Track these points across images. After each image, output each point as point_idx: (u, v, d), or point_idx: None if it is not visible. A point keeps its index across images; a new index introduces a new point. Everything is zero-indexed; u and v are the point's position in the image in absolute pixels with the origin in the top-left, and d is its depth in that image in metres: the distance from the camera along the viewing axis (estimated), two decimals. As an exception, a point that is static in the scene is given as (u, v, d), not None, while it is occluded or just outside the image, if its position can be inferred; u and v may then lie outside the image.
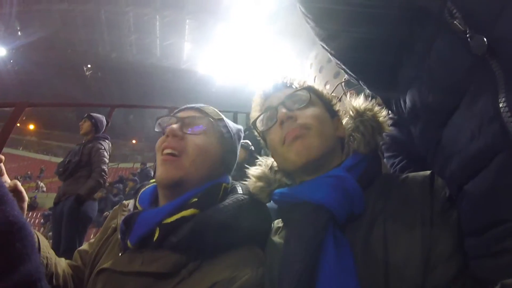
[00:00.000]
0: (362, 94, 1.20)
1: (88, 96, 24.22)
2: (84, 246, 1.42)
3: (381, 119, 1.15)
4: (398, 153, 1.61)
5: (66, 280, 1.25)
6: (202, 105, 1.38)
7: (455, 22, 0.82)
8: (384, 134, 1.17)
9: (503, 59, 0.74)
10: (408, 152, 1.52)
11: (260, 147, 1.42)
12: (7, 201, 0.68)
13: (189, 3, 15.50)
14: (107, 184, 4.91)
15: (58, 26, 17.55)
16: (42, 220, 14.08)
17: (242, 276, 1.01)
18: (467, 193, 0.82)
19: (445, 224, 0.91)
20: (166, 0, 15.69)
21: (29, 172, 24.03)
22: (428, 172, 1.04)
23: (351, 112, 1.19)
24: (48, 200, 17.36)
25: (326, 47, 1.16)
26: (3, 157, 1.19)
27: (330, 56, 1.19)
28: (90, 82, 23.93)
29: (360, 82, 1.23)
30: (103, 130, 5.26)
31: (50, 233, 9.62)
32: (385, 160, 1.84)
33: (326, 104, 1.23)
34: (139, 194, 1.36)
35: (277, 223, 1.28)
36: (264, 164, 1.32)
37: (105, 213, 9.57)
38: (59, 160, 6.35)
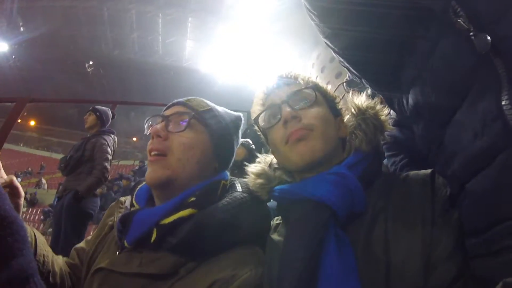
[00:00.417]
0: (365, 92, 1.20)
1: (90, 93, 24.26)
2: (81, 244, 1.41)
3: (383, 117, 1.15)
4: (399, 152, 1.61)
5: (63, 278, 1.24)
6: (189, 97, 1.35)
7: (459, 20, 0.82)
8: (385, 133, 1.16)
9: (507, 58, 0.74)
10: (409, 151, 1.53)
11: (261, 145, 1.41)
12: None
13: (192, 1, 15.51)
14: (107, 181, 4.86)
15: (60, 22, 17.58)
16: (42, 217, 14.08)
17: (242, 274, 1.00)
18: (468, 191, 0.82)
19: (446, 223, 0.91)
20: (169, -2, 15.73)
21: (29, 169, 24.12)
22: (429, 170, 1.04)
23: (353, 110, 1.18)
24: (48, 196, 17.39)
25: (330, 45, 1.16)
26: None
27: (333, 53, 1.20)
28: (92, 79, 23.98)
29: (362, 80, 1.24)
30: (109, 123, 5.17)
31: (50, 229, 9.64)
32: (385, 160, 1.84)
33: (329, 103, 1.22)
34: (136, 191, 1.34)
35: (276, 220, 1.28)
36: (263, 161, 1.31)
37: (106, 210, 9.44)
38: (60, 156, 6.34)
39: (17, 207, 1.12)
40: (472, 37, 0.79)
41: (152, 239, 1.10)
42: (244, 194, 1.23)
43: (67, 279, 1.26)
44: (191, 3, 15.67)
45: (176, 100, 1.35)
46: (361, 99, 1.19)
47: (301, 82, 1.23)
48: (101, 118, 5.02)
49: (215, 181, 1.26)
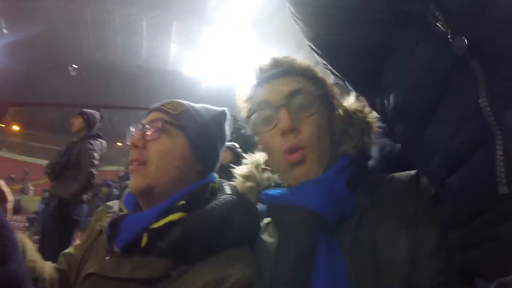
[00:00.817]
0: (353, 94, 1.22)
1: (73, 97, 23.89)
2: (69, 249, 1.41)
3: (370, 120, 1.16)
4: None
5: (52, 284, 1.24)
6: (164, 101, 1.34)
7: (437, 24, 0.85)
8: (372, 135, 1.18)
9: (483, 59, 0.79)
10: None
11: (247, 150, 1.40)
12: None
13: (176, 4, 15.37)
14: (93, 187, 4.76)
15: (43, 24, 17.32)
16: (27, 224, 13.84)
17: (233, 275, 1.01)
18: (450, 186, 0.86)
19: (430, 221, 0.94)
20: (153, 1, 15.57)
21: (13, 175, 23.71)
22: (413, 171, 1.07)
23: (341, 113, 1.19)
24: (32, 203, 17.02)
25: (314, 48, 1.17)
26: None
27: (317, 56, 1.20)
28: (75, 82, 23.65)
29: (345, 83, 1.25)
30: (96, 126, 5.09)
31: (35, 237, 9.49)
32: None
33: (327, 99, 1.19)
34: (123, 195, 1.34)
35: (265, 220, 1.29)
36: (250, 162, 1.31)
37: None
38: (43, 162, 6.24)
39: (5, 211, 1.11)
40: (450, 40, 0.83)
41: (143, 243, 1.10)
42: (233, 196, 1.24)
43: (57, 285, 1.26)
44: (175, 6, 15.54)
45: (152, 106, 1.35)
46: (349, 101, 1.21)
47: (298, 71, 1.19)
48: (88, 122, 4.97)
49: (203, 184, 1.27)
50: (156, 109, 1.32)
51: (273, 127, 1.12)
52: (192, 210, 1.16)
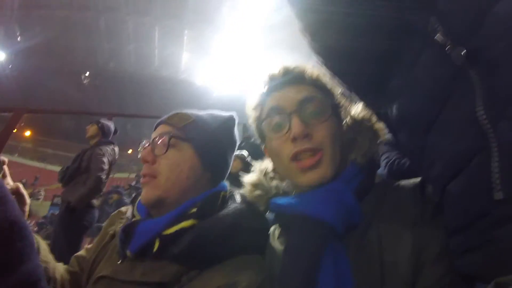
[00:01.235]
0: (362, 103, 1.22)
1: (86, 104, 24.16)
2: (82, 252, 1.43)
3: (378, 128, 1.17)
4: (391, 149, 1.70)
5: (64, 285, 1.27)
6: (171, 114, 1.36)
7: (437, 35, 0.88)
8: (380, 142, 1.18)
9: (481, 69, 0.81)
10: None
11: (257, 158, 1.40)
12: (8, 201, 0.69)
13: (188, 13, 15.54)
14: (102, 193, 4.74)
15: (57, 32, 17.53)
16: (36, 228, 13.94)
17: (243, 281, 1.02)
18: (450, 192, 0.88)
19: (434, 228, 0.95)
20: (166, 10, 15.73)
21: (23, 180, 23.92)
22: (418, 179, 1.08)
23: (349, 121, 1.19)
24: (42, 208, 17.18)
25: (318, 56, 1.17)
26: (6, 159, 1.20)
27: (322, 65, 1.20)
28: (88, 89, 23.88)
29: (351, 92, 1.25)
30: (110, 137, 5.11)
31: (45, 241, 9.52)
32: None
33: (335, 108, 1.20)
34: (137, 202, 1.36)
35: (275, 228, 1.28)
36: (258, 169, 1.31)
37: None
38: (55, 168, 6.28)
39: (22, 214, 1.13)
40: (449, 51, 0.85)
41: (154, 249, 1.12)
42: (243, 205, 1.25)
43: (68, 286, 1.29)
44: (188, 15, 15.70)
45: (160, 119, 1.37)
46: (357, 110, 1.21)
47: (309, 80, 1.19)
48: (102, 129, 5.00)
49: (215, 192, 1.29)
50: (163, 122, 1.35)
51: (285, 133, 1.11)
52: (204, 217, 1.18)
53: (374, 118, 1.18)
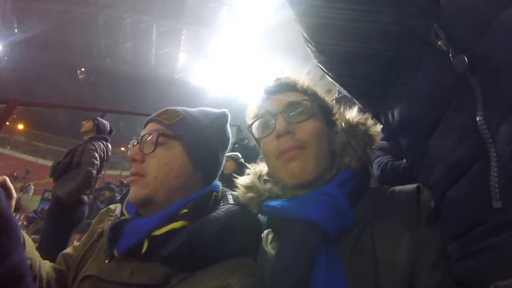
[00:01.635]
0: (356, 107, 1.22)
1: (80, 100, 24.09)
2: (69, 250, 1.40)
3: (373, 133, 1.16)
4: (384, 154, 1.73)
5: (50, 283, 1.23)
6: (160, 111, 1.33)
7: (439, 42, 0.88)
8: (374, 147, 1.18)
9: (482, 77, 0.81)
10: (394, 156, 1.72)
11: (250, 159, 1.40)
12: None
13: (186, 14, 15.55)
14: (92, 188, 4.67)
15: (55, 26, 17.47)
16: (25, 223, 13.84)
17: (235, 284, 0.99)
18: (449, 198, 0.88)
19: (430, 234, 0.95)
20: (164, 10, 15.74)
21: (15, 173, 23.72)
22: (415, 185, 1.07)
23: (343, 125, 1.19)
24: (32, 202, 17.10)
25: (318, 59, 1.18)
26: None
27: (321, 67, 1.21)
28: (83, 85, 23.80)
29: (351, 96, 1.26)
30: (104, 135, 5.05)
31: (33, 236, 9.48)
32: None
33: (326, 114, 1.22)
34: (126, 200, 1.32)
35: (268, 232, 1.28)
36: (253, 172, 1.30)
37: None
38: (47, 162, 6.24)
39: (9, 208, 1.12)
40: (451, 58, 0.85)
41: (143, 250, 1.09)
42: (236, 207, 1.23)
43: (54, 284, 1.25)
44: (186, 16, 15.72)
45: (150, 117, 1.34)
46: (352, 114, 1.21)
47: (300, 89, 1.23)
48: (98, 126, 4.95)
49: (206, 192, 1.26)
50: (152, 120, 1.31)
51: (271, 132, 1.15)
52: (195, 218, 1.14)
53: (369, 123, 1.18)
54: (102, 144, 4.85)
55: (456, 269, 0.86)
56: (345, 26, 1.00)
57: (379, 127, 1.20)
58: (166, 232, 1.10)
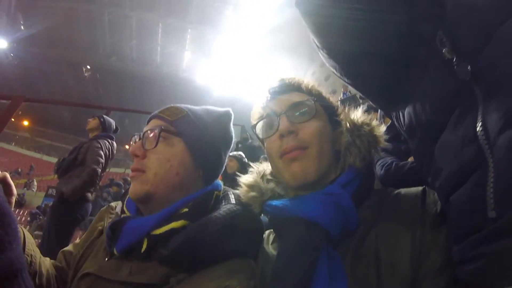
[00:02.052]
0: (361, 107, 1.22)
1: (85, 97, 24.18)
2: (69, 247, 1.39)
3: (378, 134, 1.15)
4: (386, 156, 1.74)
5: (50, 280, 1.23)
6: (163, 108, 1.32)
7: (444, 50, 0.89)
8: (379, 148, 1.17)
9: (484, 86, 0.81)
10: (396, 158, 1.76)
11: (254, 159, 1.40)
12: None
13: (192, 13, 15.59)
14: (97, 186, 4.65)
15: (60, 24, 17.55)
16: (28, 218, 13.89)
17: (234, 286, 0.98)
18: (452, 203, 0.89)
19: (435, 238, 0.94)
20: (170, 8, 15.77)
21: (19, 169, 23.80)
22: (420, 188, 1.07)
23: (348, 125, 1.18)
24: (36, 198, 17.15)
25: (326, 57, 1.17)
26: None
27: (329, 66, 1.21)
28: (88, 83, 23.87)
29: (362, 94, 1.26)
30: (110, 132, 5.05)
31: (36, 232, 9.52)
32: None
33: (330, 114, 1.22)
34: (127, 197, 1.31)
35: (269, 232, 1.27)
36: (256, 171, 1.29)
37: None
38: (51, 159, 6.26)
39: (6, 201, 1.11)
40: (455, 66, 0.86)
41: (142, 249, 1.08)
42: (238, 206, 1.21)
43: (53, 281, 1.25)
44: (192, 15, 15.75)
45: (153, 113, 1.33)
46: (357, 115, 1.20)
47: (304, 89, 1.23)
48: (103, 124, 4.95)
49: (208, 191, 1.24)
50: (155, 116, 1.30)
51: (275, 132, 1.15)
52: (195, 218, 1.12)
53: (374, 123, 1.17)
54: (107, 142, 4.84)
55: (458, 271, 0.87)
56: (349, 24, 1.00)
57: (383, 127, 1.19)
58: (166, 232, 1.09)
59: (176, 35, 17.62)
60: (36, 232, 9.83)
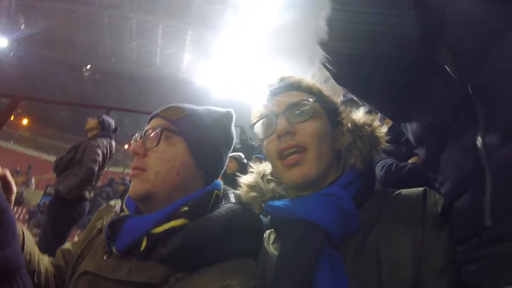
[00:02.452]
0: (362, 108, 1.22)
1: (84, 98, 24.11)
2: (67, 246, 1.39)
3: (379, 135, 1.15)
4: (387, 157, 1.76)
5: (48, 278, 1.23)
6: (165, 107, 1.32)
7: (446, 65, 0.92)
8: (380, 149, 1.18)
9: (485, 102, 0.84)
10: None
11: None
12: None
13: (192, 15, 15.56)
14: (94, 184, 4.65)
15: (60, 25, 17.48)
16: (27, 217, 13.82)
17: (235, 285, 0.98)
18: (455, 208, 0.92)
19: (436, 239, 0.94)
20: (170, 10, 15.74)
21: (18, 168, 23.68)
22: (421, 189, 1.07)
23: (349, 125, 1.18)
24: (34, 197, 17.05)
25: (330, 63, 1.17)
26: None
27: (330, 72, 1.20)
28: (88, 83, 23.79)
29: (367, 103, 1.26)
30: (108, 132, 5.06)
31: (35, 230, 9.48)
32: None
33: (330, 114, 1.21)
34: (126, 196, 1.31)
35: (270, 232, 1.27)
36: (256, 171, 1.29)
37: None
38: (49, 158, 6.23)
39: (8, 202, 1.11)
40: (456, 83, 0.90)
41: (142, 248, 1.08)
42: (238, 206, 1.21)
43: (52, 280, 1.25)
44: (192, 17, 15.72)
45: (154, 112, 1.33)
46: (359, 115, 1.20)
47: (304, 88, 1.23)
48: (102, 124, 4.97)
49: (208, 191, 1.25)
50: (157, 116, 1.30)
51: (273, 133, 1.15)
52: (195, 217, 1.13)
53: (375, 124, 1.18)
54: (105, 142, 4.87)
55: (461, 272, 0.89)
56: (366, 29, 1.01)
57: (385, 128, 1.19)
58: (166, 230, 1.08)
59: (176, 37, 17.57)
60: (34, 230, 9.79)
